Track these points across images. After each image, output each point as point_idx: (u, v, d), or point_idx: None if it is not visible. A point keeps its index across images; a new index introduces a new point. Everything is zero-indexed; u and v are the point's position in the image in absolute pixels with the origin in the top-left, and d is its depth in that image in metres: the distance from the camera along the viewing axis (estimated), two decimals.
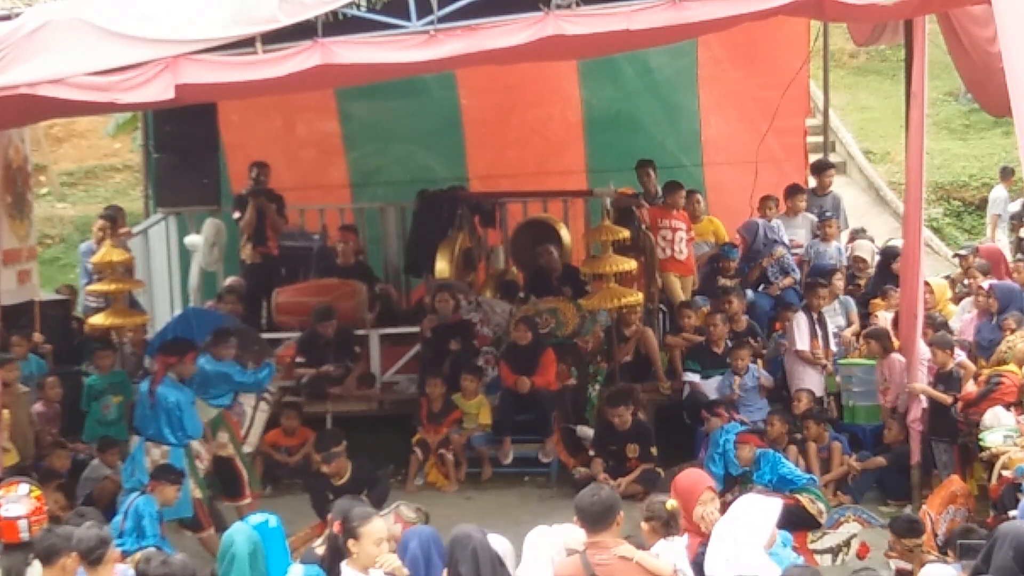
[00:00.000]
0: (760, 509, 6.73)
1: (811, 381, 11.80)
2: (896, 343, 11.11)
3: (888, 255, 13.13)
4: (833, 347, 12.08)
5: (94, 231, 13.55)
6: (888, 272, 12.71)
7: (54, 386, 11.15)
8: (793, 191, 13.81)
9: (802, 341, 11.81)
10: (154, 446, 9.81)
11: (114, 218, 13.42)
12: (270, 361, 10.98)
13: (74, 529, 6.57)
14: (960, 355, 10.59)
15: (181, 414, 9.85)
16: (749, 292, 13.21)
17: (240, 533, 6.26)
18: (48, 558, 6.34)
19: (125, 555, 7.67)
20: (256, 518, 6.51)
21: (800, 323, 11.91)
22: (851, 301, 12.86)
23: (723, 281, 13.23)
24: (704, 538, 6.89)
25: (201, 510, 9.89)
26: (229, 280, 13.95)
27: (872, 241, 14.40)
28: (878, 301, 12.58)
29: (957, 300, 12.82)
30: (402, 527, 8.52)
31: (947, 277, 13.46)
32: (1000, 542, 6.20)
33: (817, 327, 11.97)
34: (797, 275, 13.11)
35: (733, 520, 6.66)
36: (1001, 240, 17.59)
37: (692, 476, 7.41)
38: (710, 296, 13.11)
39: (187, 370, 10.06)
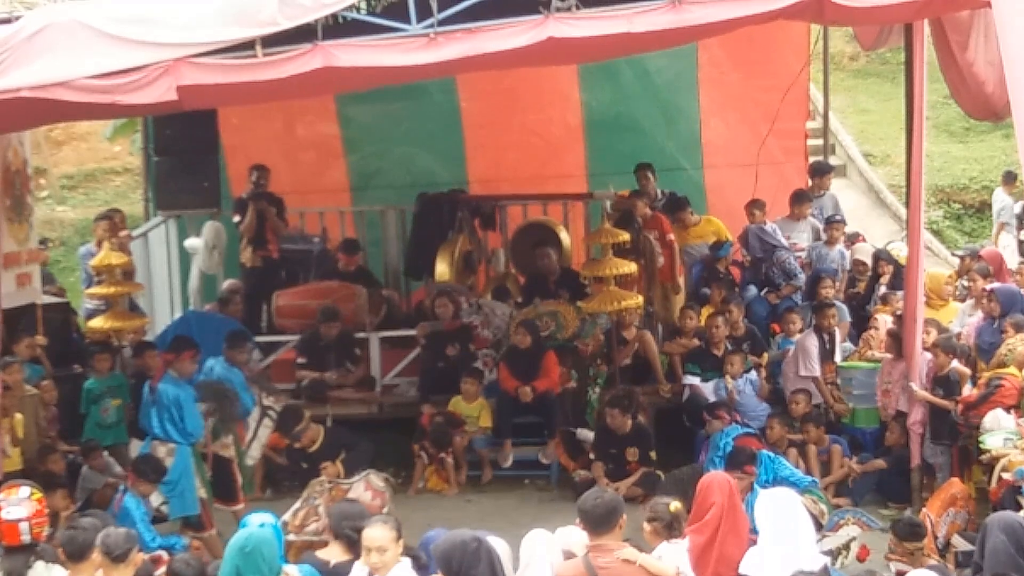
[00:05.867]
0: (794, 504, 6.81)
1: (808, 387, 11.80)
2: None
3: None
4: (838, 358, 12.15)
5: (97, 232, 13.54)
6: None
7: (49, 389, 11.14)
8: (799, 197, 13.79)
9: (810, 367, 11.73)
10: (160, 444, 9.84)
11: (112, 217, 13.42)
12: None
13: (95, 521, 6.63)
14: (953, 363, 10.56)
15: (181, 411, 9.87)
16: (752, 288, 13.22)
17: (244, 529, 6.31)
18: (79, 555, 6.38)
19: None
20: (257, 518, 6.54)
21: (810, 347, 11.82)
22: (844, 309, 12.86)
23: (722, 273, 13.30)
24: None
25: (204, 510, 9.91)
26: (229, 283, 13.94)
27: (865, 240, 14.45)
28: (881, 306, 12.59)
29: (957, 300, 12.82)
30: (372, 495, 8.98)
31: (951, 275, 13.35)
32: (990, 530, 6.37)
33: (827, 345, 11.99)
34: (801, 280, 13.10)
35: (777, 520, 6.72)
36: (1010, 244, 17.59)
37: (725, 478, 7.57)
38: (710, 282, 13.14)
39: (185, 368, 10.10)
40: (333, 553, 6.88)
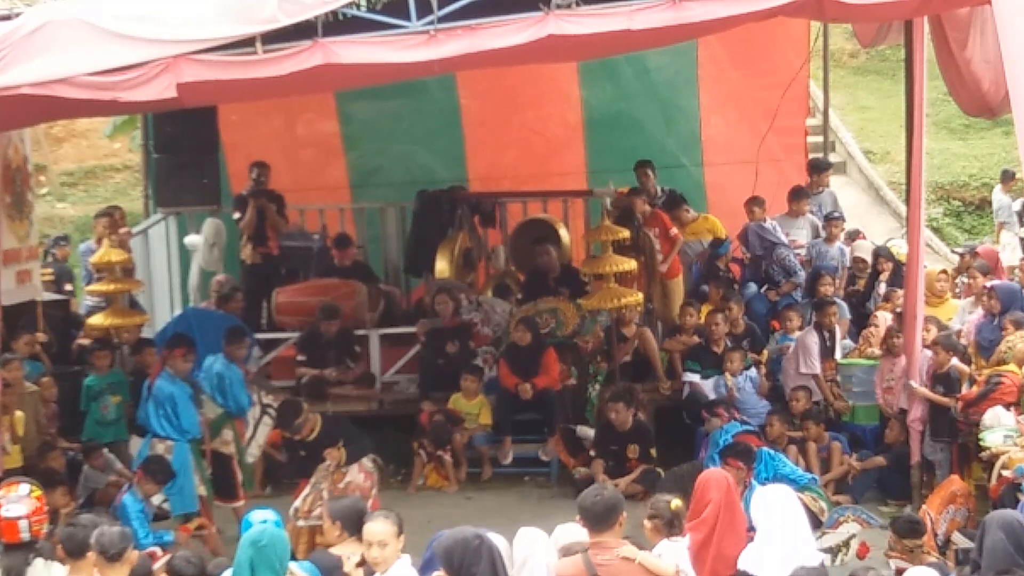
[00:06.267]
0: (790, 500, 6.83)
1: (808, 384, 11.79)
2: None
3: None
4: (839, 355, 12.13)
5: (97, 229, 13.54)
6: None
7: (49, 386, 11.15)
8: (797, 194, 13.78)
9: (810, 364, 11.75)
10: (159, 441, 9.87)
11: (112, 214, 13.43)
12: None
13: (94, 518, 6.63)
14: (953, 360, 10.56)
15: (176, 407, 9.88)
16: (752, 285, 13.21)
17: (252, 530, 6.32)
18: (78, 552, 6.38)
19: None
20: (259, 514, 6.56)
21: (810, 344, 11.84)
22: (844, 306, 12.86)
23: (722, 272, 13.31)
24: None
25: (204, 508, 9.92)
26: (219, 277, 13.81)
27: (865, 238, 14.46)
28: (883, 303, 12.59)
29: (955, 297, 12.83)
30: (364, 477, 9.48)
31: (944, 271, 13.32)
32: (989, 527, 6.38)
33: (827, 343, 11.99)
34: (801, 277, 13.09)
35: (775, 516, 6.74)
36: (1011, 242, 17.60)
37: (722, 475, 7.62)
38: (709, 280, 13.13)
39: (179, 366, 10.11)
40: (347, 550, 6.88)
